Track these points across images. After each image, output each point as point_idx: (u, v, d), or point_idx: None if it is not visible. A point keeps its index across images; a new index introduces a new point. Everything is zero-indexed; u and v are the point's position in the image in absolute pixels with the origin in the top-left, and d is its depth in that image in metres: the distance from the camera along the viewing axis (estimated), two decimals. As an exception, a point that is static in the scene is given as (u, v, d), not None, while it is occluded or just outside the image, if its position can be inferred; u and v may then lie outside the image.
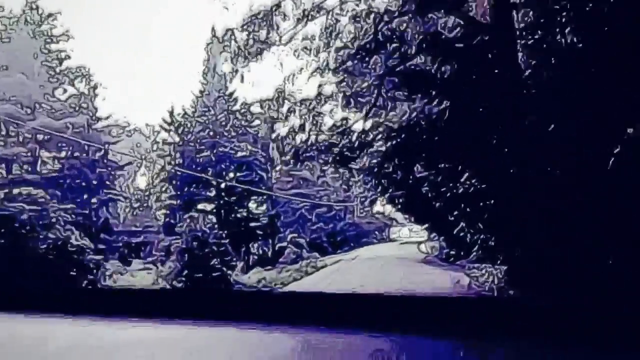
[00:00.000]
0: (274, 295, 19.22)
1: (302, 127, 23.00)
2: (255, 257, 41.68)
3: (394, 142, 25.61)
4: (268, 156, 41.57)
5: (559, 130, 14.36)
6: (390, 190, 30.81)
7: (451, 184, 24.40)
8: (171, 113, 33.86)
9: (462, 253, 29.95)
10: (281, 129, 25.57)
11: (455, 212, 26.45)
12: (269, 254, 40.06)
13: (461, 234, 27.85)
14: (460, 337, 7.37)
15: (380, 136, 25.82)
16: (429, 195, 26.99)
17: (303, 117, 23.46)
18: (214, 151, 35.07)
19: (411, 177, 28.62)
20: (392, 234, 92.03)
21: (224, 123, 37.17)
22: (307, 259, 38.17)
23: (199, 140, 35.26)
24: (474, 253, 25.64)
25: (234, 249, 37.28)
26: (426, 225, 45.88)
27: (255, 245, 41.39)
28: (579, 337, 6.74)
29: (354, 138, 24.80)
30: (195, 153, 35.01)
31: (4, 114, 32.22)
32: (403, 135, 24.49)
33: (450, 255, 30.86)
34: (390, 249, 51.01)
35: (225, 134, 36.78)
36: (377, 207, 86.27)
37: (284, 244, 43.52)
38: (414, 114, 22.15)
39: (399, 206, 33.35)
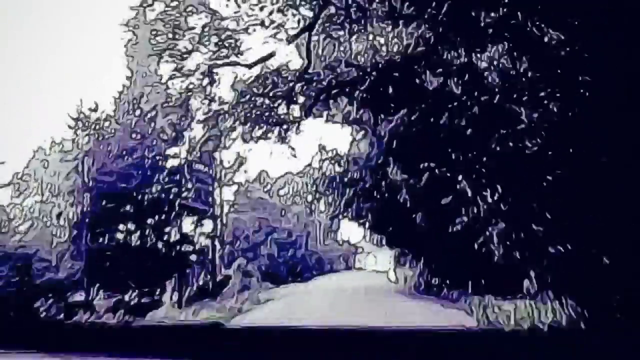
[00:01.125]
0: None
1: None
2: (195, 288, 33.33)
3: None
4: (210, 164, 33.69)
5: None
6: (359, 202, 23.57)
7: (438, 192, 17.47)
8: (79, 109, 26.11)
9: (446, 283, 22.62)
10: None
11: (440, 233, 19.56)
12: (210, 284, 31.88)
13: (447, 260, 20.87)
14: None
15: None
16: (407, 205, 19.80)
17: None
18: (136, 157, 27.10)
19: (385, 182, 21.42)
20: (357, 262, 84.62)
21: (153, 125, 29.33)
22: (255, 289, 30.24)
23: (118, 144, 27.28)
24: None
25: (160, 278, 29.13)
26: (398, 251, 39.06)
27: (196, 274, 33.11)
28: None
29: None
30: (113, 159, 26.96)
31: None
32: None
33: (434, 285, 23.51)
34: (354, 278, 43.44)
35: (155, 136, 28.93)
36: (342, 235, 79.31)
37: (230, 271, 35.42)
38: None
39: (367, 224, 26.05)
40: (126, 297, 24.94)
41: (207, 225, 34.40)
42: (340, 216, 28.91)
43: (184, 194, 30.89)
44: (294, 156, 26.18)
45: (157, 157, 29.18)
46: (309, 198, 65.57)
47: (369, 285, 33.22)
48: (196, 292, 32.96)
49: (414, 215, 19.50)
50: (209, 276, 32.38)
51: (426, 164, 18.28)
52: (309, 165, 42.61)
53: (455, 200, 18.05)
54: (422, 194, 18.71)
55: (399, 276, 42.91)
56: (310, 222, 62.98)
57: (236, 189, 59.93)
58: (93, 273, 26.29)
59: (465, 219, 18.19)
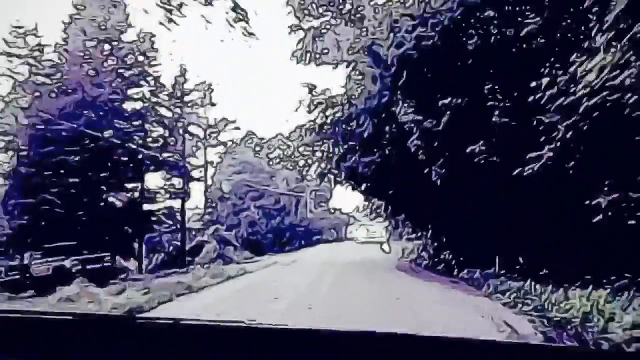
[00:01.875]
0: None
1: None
2: (163, 255, 28.32)
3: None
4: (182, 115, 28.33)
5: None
6: (356, 156, 18.28)
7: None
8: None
9: (462, 260, 17.61)
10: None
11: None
12: (173, 252, 26.88)
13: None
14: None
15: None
16: (418, 157, 14.59)
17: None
18: (84, 95, 21.66)
19: (390, 128, 16.13)
20: (349, 233, 79.86)
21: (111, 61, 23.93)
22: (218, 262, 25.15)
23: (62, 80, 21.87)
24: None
25: (124, 242, 24.14)
26: (394, 222, 34.48)
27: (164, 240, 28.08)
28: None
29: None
30: (58, 95, 21.58)
31: None
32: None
33: (445, 262, 18.42)
34: (345, 249, 38.60)
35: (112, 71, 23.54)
36: (334, 203, 74.33)
37: (205, 237, 30.43)
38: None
39: (364, 186, 20.80)
40: (66, 263, 19.84)
41: (179, 183, 29.21)
42: (331, 176, 23.70)
43: (150, 144, 25.66)
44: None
45: (115, 97, 23.81)
46: (301, 162, 60.78)
47: (363, 259, 28.32)
48: (164, 259, 28.05)
49: (426, 170, 14.39)
50: (178, 242, 27.36)
51: (448, 100, 13.16)
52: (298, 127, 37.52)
53: (488, 147, 12.92)
54: (441, 140, 13.58)
55: (393, 249, 38.25)
56: (300, 188, 58.00)
57: (222, 150, 54.85)
58: (30, 233, 21.18)
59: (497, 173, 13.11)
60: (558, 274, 11.35)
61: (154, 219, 24.77)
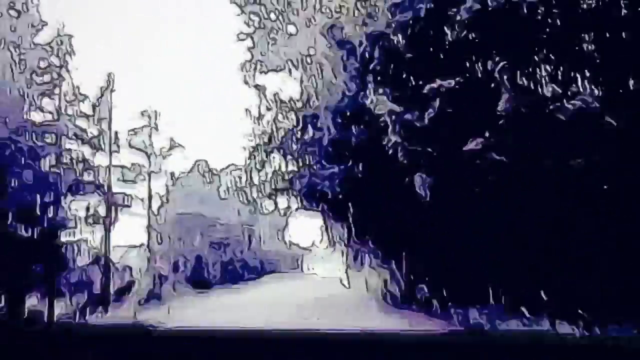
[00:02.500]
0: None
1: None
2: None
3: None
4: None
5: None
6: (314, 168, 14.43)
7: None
8: None
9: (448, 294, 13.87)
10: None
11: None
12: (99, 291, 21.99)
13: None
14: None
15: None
16: (397, 160, 10.88)
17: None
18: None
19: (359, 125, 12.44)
20: (305, 268, 75.36)
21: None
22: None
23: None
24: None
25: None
26: (354, 251, 31.26)
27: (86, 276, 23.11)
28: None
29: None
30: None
31: None
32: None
33: (423, 295, 14.58)
34: (299, 284, 34.38)
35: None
36: (291, 234, 70.01)
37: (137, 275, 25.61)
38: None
39: (330, 211, 16.80)
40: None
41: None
42: (284, 195, 19.81)
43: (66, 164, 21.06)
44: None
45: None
46: (254, 193, 56.58)
47: (322, 294, 24.34)
48: (86, 301, 23.05)
49: (407, 179, 10.77)
50: (102, 280, 22.47)
51: (436, 84, 9.69)
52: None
53: (493, 144, 9.42)
54: (427, 137, 10.04)
55: (353, 283, 34.39)
56: (253, 219, 53.58)
57: (170, 181, 50.00)
58: None
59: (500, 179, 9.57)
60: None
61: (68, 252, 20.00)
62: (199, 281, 30.48)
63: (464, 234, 11.38)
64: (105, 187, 22.45)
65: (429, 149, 10.33)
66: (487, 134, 9.21)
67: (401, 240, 15.26)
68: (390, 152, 10.77)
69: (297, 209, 32.87)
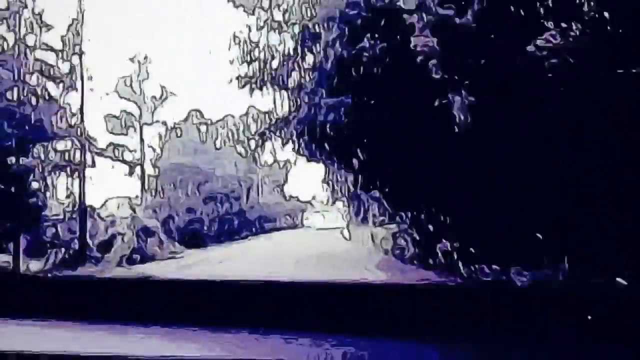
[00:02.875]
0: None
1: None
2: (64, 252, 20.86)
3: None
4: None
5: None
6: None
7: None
8: None
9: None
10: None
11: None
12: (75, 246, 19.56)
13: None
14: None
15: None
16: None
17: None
18: None
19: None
20: (305, 220, 73.28)
21: None
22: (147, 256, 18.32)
23: None
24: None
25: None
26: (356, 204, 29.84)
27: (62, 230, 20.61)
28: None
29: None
30: None
31: None
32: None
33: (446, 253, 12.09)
34: (299, 239, 31.91)
35: None
36: (290, 188, 67.47)
37: (119, 228, 23.09)
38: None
39: (334, 154, 14.07)
40: None
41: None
42: (274, 136, 17.07)
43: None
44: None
45: None
46: (252, 144, 53.69)
47: (321, 250, 21.91)
48: (64, 257, 20.65)
49: (437, 103, 7.97)
50: (77, 233, 19.98)
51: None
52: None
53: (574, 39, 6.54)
54: (474, 38, 7.18)
55: (356, 235, 32.08)
56: (252, 171, 50.90)
57: (164, 131, 46.93)
58: None
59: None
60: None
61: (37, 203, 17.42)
62: (192, 237, 28.05)
63: (508, 179, 8.67)
64: (78, 131, 19.60)
65: (472, 60, 7.47)
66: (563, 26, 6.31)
67: (416, 190, 12.56)
68: (418, 61, 7.89)
69: (295, 161, 30.52)
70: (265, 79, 15.01)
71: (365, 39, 9.22)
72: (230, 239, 38.13)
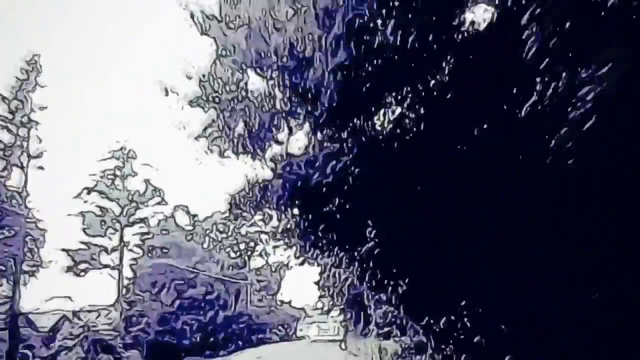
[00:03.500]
0: None
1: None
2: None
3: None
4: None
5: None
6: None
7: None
8: None
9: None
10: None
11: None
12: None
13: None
14: None
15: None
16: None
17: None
18: None
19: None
20: (299, 331, 66.90)
21: None
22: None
23: None
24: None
25: None
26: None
27: None
28: None
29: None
30: None
31: None
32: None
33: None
34: (293, 354, 26.95)
35: None
36: (282, 295, 62.05)
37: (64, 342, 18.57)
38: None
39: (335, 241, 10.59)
40: None
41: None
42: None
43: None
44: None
45: None
46: (242, 245, 49.63)
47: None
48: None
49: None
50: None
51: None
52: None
53: None
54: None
55: (355, 349, 27.28)
56: (240, 275, 46.23)
57: (144, 232, 43.03)
58: None
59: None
60: None
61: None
62: (165, 352, 23.33)
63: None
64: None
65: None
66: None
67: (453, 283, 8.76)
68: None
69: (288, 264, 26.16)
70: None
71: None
72: (213, 354, 32.88)
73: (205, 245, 43.04)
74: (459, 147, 7.04)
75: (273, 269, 56.69)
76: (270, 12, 8.89)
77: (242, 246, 49.97)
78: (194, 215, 43.86)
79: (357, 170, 8.50)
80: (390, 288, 11.96)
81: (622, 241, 6.02)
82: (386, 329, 22.92)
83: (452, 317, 10.42)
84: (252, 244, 50.67)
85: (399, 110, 7.67)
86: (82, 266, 38.86)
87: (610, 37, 5.26)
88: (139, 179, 40.87)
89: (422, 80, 7.13)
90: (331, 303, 46.28)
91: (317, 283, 40.88)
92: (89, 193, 40.13)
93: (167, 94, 11.03)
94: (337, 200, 8.33)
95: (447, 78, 6.81)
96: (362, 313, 32.70)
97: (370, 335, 24.18)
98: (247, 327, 41.18)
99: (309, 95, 7.99)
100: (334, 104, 7.63)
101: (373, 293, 14.13)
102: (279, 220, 12.91)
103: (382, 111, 7.97)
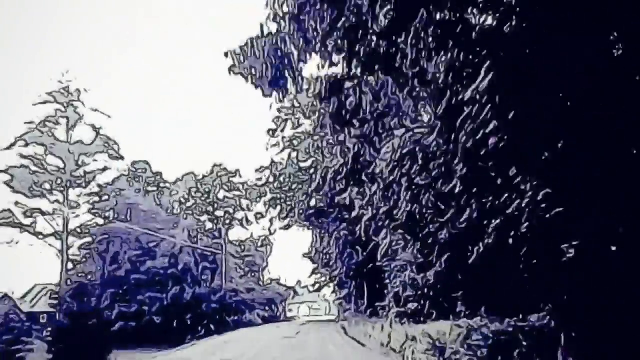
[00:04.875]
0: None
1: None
2: None
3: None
4: None
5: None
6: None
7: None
8: None
9: None
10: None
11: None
12: None
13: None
14: None
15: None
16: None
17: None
18: None
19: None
20: (289, 311, 59.42)
21: None
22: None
23: None
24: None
25: None
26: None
27: None
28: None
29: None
30: None
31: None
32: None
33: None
34: (279, 340, 18.76)
35: None
36: (270, 273, 54.18)
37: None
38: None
39: None
40: None
41: None
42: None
43: None
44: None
45: None
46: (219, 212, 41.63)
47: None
48: None
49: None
50: None
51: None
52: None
53: None
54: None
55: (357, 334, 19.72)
56: (216, 245, 37.88)
57: (94, 192, 34.41)
58: None
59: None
60: None
61: None
62: (82, 342, 15.24)
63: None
64: None
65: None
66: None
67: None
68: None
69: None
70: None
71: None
72: (179, 340, 24.94)
73: (170, 210, 34.78)
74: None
75: (259, 244, 48.96)
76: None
77: (219, 213, 42.01)
78: (157, 174, 35.46)
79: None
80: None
81: None
82: (412, 307, 15.39)
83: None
84: (231, 210, 42.73)
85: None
86: (14, 235, 30.79)
87: None
88: (87, 129, 32.52)
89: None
90: (323, 278, 37.93)
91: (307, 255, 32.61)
92: (26, 145, 31.82)
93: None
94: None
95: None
96: (364, 285, 24.87)
97: (386, 315, 16.39)
98: (223, 307, 33.13)
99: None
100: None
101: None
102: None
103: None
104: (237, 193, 41.67)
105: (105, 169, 31.57)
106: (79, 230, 31.66)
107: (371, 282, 22.60)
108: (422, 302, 14.12)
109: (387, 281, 15.91)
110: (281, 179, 23.49)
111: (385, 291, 16.41)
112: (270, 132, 24.83)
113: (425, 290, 13.80)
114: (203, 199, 39.76)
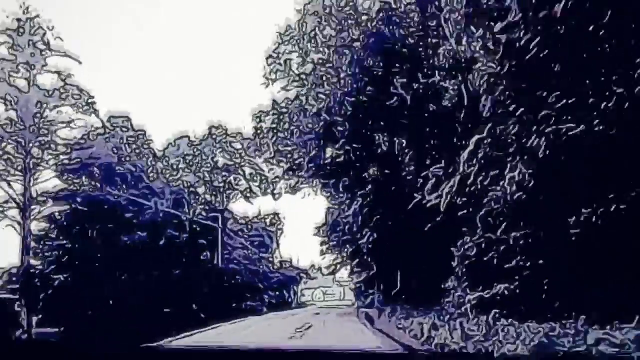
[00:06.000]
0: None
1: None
2: None
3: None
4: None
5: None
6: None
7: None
8: None
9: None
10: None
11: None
12: None
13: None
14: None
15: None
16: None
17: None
18: None
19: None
20: (302, 296, 53.73)
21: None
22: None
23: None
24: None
25: None
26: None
27: None
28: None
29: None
30: None
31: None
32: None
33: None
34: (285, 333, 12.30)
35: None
36: (280, 254, 48.03)
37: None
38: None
39: None
40: None
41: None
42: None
43: None
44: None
45: None
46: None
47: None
48: None
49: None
50: None
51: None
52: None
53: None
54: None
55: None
56: (212, 217, 31.44)
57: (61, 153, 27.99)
58: None
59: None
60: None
61: None
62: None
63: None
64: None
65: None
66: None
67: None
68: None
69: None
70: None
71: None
72: (163, 333, 18.64)
73: (154, 175, 28.39)
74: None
75: (268, 223, 42.78)
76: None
77: (217, 183, 35.61)
78: (140, 132, 28.98)
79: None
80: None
81: None
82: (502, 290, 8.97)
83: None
84: (231, 178, 36.35)
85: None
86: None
87: None
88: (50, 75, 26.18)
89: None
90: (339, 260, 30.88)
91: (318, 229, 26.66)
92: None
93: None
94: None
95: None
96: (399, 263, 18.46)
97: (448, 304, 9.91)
98: (220, 292, 26.96)
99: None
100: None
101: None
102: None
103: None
104: (238, 160, 35.50)
105: (71, 121, 25.21)
106: (42, 198, 25.54)
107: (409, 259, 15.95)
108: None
109: (454, 248, 9.44)
110: (286, 119, 17.09)
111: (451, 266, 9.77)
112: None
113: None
114: (200, 165, 33.54)
